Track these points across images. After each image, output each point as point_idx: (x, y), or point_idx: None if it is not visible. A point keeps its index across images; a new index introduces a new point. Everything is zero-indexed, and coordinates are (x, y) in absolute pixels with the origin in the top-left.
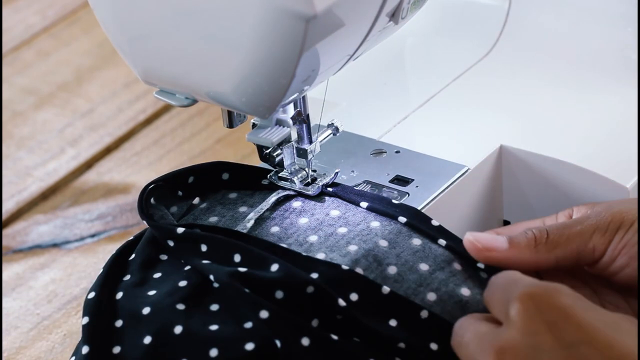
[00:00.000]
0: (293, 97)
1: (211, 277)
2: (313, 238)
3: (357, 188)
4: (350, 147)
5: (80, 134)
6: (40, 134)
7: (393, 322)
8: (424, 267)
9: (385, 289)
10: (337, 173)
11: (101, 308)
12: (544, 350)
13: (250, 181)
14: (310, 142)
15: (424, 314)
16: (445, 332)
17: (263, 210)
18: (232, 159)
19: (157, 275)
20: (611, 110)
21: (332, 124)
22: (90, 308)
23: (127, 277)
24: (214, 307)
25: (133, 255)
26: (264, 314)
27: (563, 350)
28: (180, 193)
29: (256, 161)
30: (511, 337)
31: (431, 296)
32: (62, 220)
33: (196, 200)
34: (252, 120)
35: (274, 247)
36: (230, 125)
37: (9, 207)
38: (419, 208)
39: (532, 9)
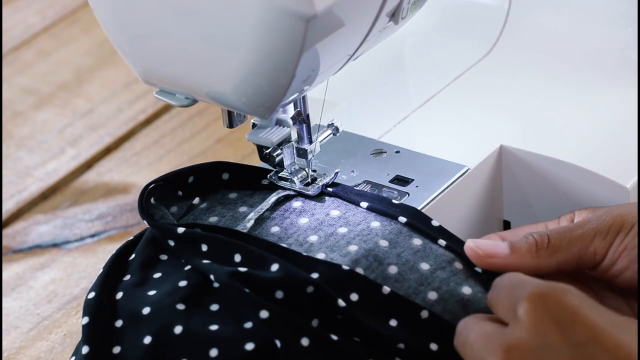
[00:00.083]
0: (293, 97)
1: (211, 277)
2: (313, 238)
3: (357, 188)
4: (350, 147)
5: (80, 134)
6: (40, 134)
7: (393, 322)
8: (424, 266)
9: (386, 289)
10: (337, 173)
11: (101, 308)
12: (552, 350)
13: (250, 181)
14: (310, 142)
15: (424, 314)
16: (445, 332)
17: (263, 210)
18: (232, 159)
19: (157, 275)
20: (611, 110)
21: (332, 124)
22: (90, 308)
23: (127, 277)
24: (214, 307)
25: (133, 255)
26: (264, 314)
27: (571, 349)
28: (180, 193)
29: (256, 161)
30: (519, 336)
31: (432, 295)
32: (62, 220)
33: (196, 200)
34: (252, 120)
35: (274, 247)
36: (230, 125)
37: (9, 207)
38: (419, 208)
39: (532, 9)
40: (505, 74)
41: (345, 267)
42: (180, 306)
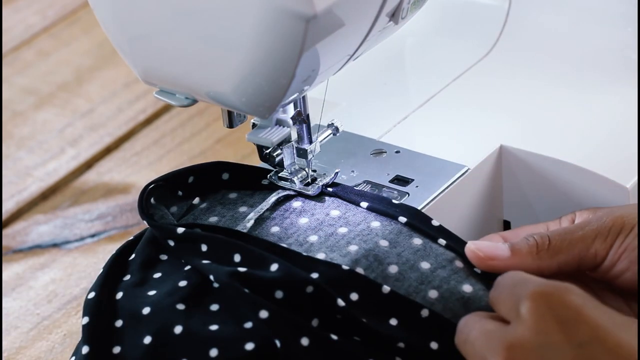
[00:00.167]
0: (293, 97)
1: (211, 277)
2: (313, 238)
3: (357, 188)
4: (350, 147)
5: (80, 134)
6: (40, 134)
7: (393, 321)
8: (425, 265)
9: (386, 289)
10: (337, 173)
11: (101, 308)
12: (554, 349)
13: (250, 181)
14: (310, 142)
15: (425, 312)
16: (445, 331)
17: (263, 210)
18: (232, 159)
19: (157, 275)
20: (611, 110)
21: (332, 124)
22: (90, 308)
23: (127, 277)
24: (214, 307)
25: (133, 255)
26: (263, 314)
27: (573, 349)
28: (180, 193)
29: (256, 161)
30: (521, 335)
31: (433, 294)
32: (62, 220)
33: (196, 200)
34: (252, 120)
35: (274, 247)
36: (230, 125)
37: (9, 207)
38: (419, 208)
39: (532, 9)
40: (505, 74)
41: (345, 267)
42: (180, 306)
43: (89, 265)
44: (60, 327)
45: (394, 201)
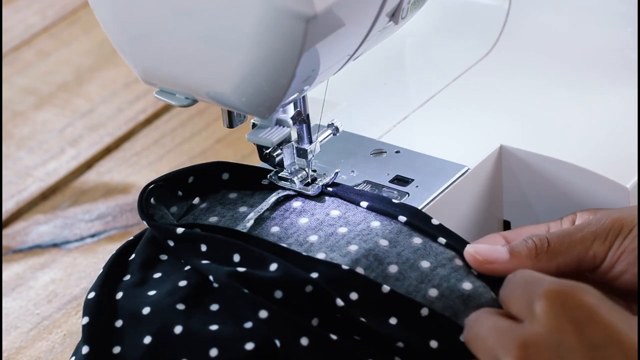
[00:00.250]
0: (293, 97)
1: (211, 277)
2: (313, 238)
3: (357, 188)
4: (350, 147)
5: (80, 134)
6: (40, 134)
7: (393, 321)
8: (425, 264)
9: (385, 288)
10: (337, 173)
11: (101, 308)
12: (568, 349)
13: (250, 181)
14: (310, 142)
15: (425, 311)
16: (445, 329)
17: (263, 210)
18: (232, 159)
19: (157, 275)
20: (611, 110)
21: (332, 124)
22: (90, 308)
23: (127, 277)
24: (214, 307)
25: (133, 255)
26: (263, 314)
27: (587, 350)
28: (180, 193)
29: (256, 161)
30: (535, 333)
31: (433, 292)
32: (62, 220)
33: (196, 200)
34: (252, 120)
35: (274, 246)
36: (230, 125)
37: (9, 207)
38: (419, 208)
39: (532, 9)
40: (505, 74)
41: (344, 267)
42: (180, 306)
43: (89, 265)
44: (60, 327)
45: (394, 200)
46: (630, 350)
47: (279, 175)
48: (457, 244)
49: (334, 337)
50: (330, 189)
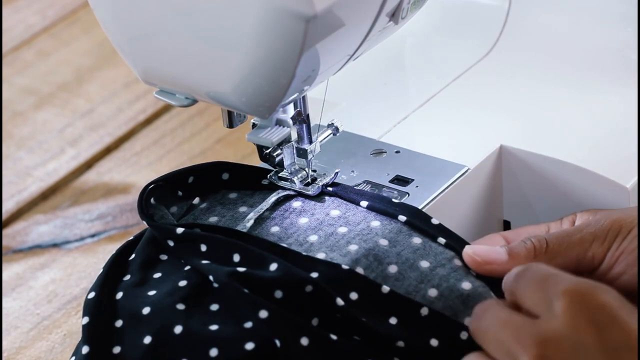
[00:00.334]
0: (293, 97)
1: (210, 277)
2: (313, 238)
3: (357, 188)
4: (350, 147)
5: (80, 134)
6: (40, 134)
7: (393, 320)
8: (424, 264)
9: (385, 288)
10: (337, 173)
11: (101, 308)
12: (587, 350)
13: (250, 181)
14: (310, 142)
15: (424, 311)
16: (445, 328)
17: (263, 210)
18: (232, 159)
19: (157, 275)
20: (611, 110)
21: (332, 124)
22: (90, 308)
23: (127, 277)
24: (214, 307)
25: (133, 255)
26: (263, 314)
27: (606, 352)
28: (180, 193)
29: (256, 161)
30: (555, 331)
31: (432, 292)
32: (62, 220)
33: (196, 200)
34: (252, 120)
35: (274, 246)
36: (230, 125)
37: (9, 207)
38: (419, 208)
39: (532, 9)
40: (505, 74)
41: (344, 267)
42: (180, 306)
43: (89, 265)
44: (60, 327)
45: (394, 200)
46: None
47: (279, 175)
48: (456, 244)
49: (334, 337)
50: (330, 189)
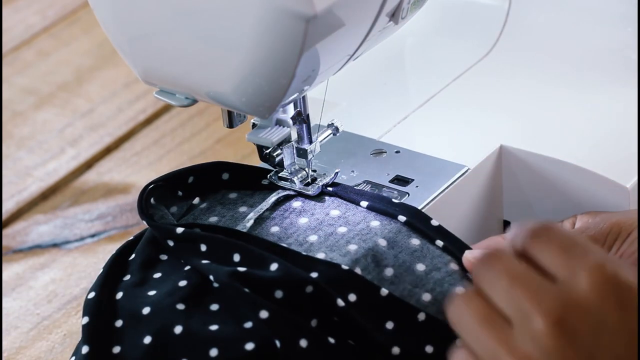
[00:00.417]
0: (293, 97)
1: (211, 277)
2: (313, 238)
3: (357, 188)
4: (350, 147)
5: (80, 134)
6: (40, 134)
7: (390, 325)
8: (420, 267)
9: (384, 291)
10: (337, 173)
11: (101, 308)
12: (610, 329)
13: (250, 181)
14: (310, 142)
15: (422, 316)
16: (442, 335)
17: (263, 210)
18: (232, 159)
19: (157, 275)
20: (611, 111)
21: (332, 124)
22: (90, 308)
23: (127, 277)
24: (214, 307)
25: (133, 255)
26: (263, 314)
27: (627, 335)
28: (180, 193)
29: (256, 161)
30: (580, 300)
31: (426, 297)
32: (62, 220)
33: (196, 200)
34: (252, 120)
35: (274, 246)
36: (230, 125)
37: (9, 207)
38: (419, 208)
39: (532, 9)
40: (505, 74)
41: (344, 267)
42: (180, 306)
43: (89, 265)
44: (60, 327)
45: (394, 200)
46: None
47: (279, 175)
48: (455, 246)
49: (332, 340)
50: (330, 189)
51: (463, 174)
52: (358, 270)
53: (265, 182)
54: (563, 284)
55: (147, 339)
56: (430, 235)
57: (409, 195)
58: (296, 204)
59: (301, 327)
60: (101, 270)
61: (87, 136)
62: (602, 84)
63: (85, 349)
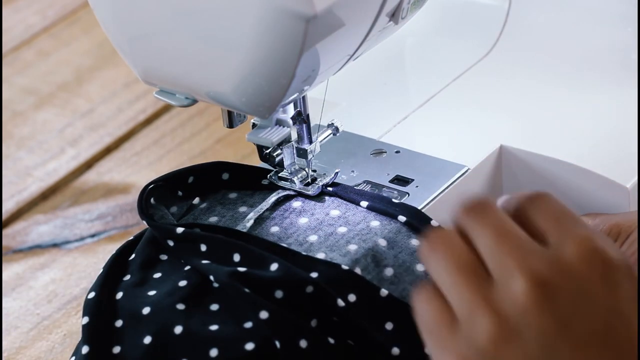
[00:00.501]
0: (293, 97)
1: (211, 277)
2: (313, 238)
3: (357, 188)
4: (350, 147)
5: (80, 134)
6: (40, 134)
7: (389, 326)
8: (420, 267)
9: (384, 292)
10: (337, 173)
11: (101, 308)
12: (591, 299)
13: (250, 181)
14: (310, 142)
15: None
16: None
17: (263, 210)
18: (232, 159)
19: (157, 275)
20: (611, 111)
21: (332, 124)
22: (90, 308)
23: (127, 277)
24: (214, 307)
25: (133, 255)
26: (263, 314)
27: (607, 311)
28: (180, 193)
29: (256, 161)
30: (565, 266)
31: None
32: (62, 220)
33: (196, 200)
34: (252, 120)
35: (274, 246)
36: (230, 125)
37: (9, 207)
38: (419, 208)
39: (532, 9)
40: (505, 74)
41: (344, 267)
42: (180, 306)
43: (89, 265)
44: (60, 327)
45: (394, 200)
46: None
47: (279, 175)
48: None
49: (332, 340)
50: (330, 189)
51: (463, 174)
52: (358, 271)
53: (265, 182)
54: (552, 248)
55: (147, 339)
56: None
57: (409, 195)
58: (296, 204)
59: (301, 327)
60: (101, 270)
61: (87, 136)
62: (602, 84)
63: (85, 349)
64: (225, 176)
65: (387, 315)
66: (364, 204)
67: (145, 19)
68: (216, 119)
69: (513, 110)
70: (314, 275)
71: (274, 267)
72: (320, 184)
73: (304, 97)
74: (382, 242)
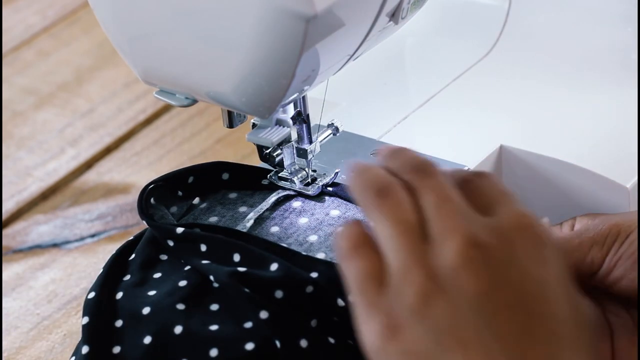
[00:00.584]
0: (293, 97)
1: (211, 277)
2: (313, 238)
3: None
4: (350, 147)
5: (80, 134)
6: (40, 134)
7: None
8: None
9: None
10: (337, 173)
11: (101, 308)
12: (521, 267)
13: (250, 181)
14: (310, 142)
15: None
16: None
17: (263, 210)
18: (232, 159)
19: (157, 275)
20: (611, 111)
21: (332, 124)
22: (90, 308)
23: (127, 277)
24: (214, 307)
25: (133, 255)
26: (263, 314)
27: (531, 285)
28: (180, 193)
29: (256, 161)
30: (503, 235)
31: None
32: (62, 220)
33: (196, 200)
34: (252, 120)
35: (274, 246)
36: (230, 125)
37: (9, 207)
38: None
39: (532, 9)
40: (505, 74)
41: None
42: (180, 306)
43: (89, 265)
44: (60, 327)
45: None
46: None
47: (279, 175)
48: None
49: (332, 340)
50: (330, 188)
51: None
52: None
53: (265, 182)
54: (490, 219)
55: (147, 339)
56: None
57: None
58: (296, 204)
59: (301, 327)
60: (101, 270)
61: (87, 136)
62: (602, 84)
63: (85, 349)
64: (225, 176)
65: None
66: None
67: (145, 19)
68: (216, 119)
69: (513, 110)
70: (314, 275)
71: (274, 267)
72: (320, 184)
73: (304, 97)
74: None
